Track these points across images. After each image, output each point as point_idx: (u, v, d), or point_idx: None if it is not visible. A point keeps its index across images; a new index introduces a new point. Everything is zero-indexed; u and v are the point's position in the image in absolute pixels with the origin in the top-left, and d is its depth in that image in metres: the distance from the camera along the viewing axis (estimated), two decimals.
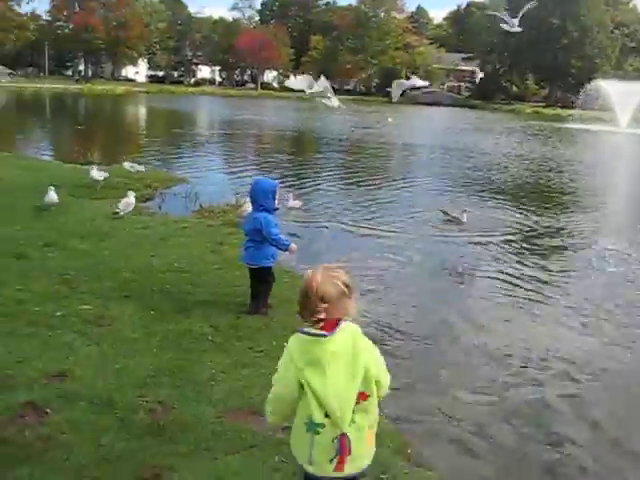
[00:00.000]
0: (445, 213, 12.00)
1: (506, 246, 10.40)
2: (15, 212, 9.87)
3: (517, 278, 8.58)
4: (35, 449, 3.72)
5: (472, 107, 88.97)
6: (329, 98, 11.35)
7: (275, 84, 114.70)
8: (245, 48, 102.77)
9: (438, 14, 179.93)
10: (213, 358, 5.13)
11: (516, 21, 9.44)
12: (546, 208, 14.26)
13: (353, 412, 2.62)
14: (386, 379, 2.80)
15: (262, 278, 6.25)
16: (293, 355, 2.66)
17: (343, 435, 2.62)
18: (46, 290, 6.38)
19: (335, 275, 2.69)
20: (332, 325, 2.64)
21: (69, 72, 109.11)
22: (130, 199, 10.26)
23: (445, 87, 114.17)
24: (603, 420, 4.97)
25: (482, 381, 5.49)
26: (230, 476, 3.64)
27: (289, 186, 14.14)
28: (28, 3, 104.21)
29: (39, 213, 9.86)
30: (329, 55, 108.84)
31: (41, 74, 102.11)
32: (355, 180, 17.55)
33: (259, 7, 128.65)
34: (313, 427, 2.64)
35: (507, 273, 8.78)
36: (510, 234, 11.32)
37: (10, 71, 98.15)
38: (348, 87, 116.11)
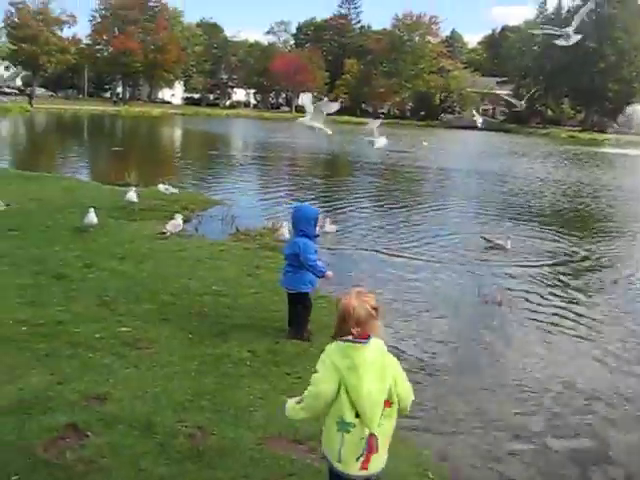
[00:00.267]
0: (487, 240, 11.87)
1: (544, 273, 10.25)
2: (55, 233, 10.03)
3: (555, 307, 8.44)
4: (76, 472, 3.74)
5: (507, 131, 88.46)
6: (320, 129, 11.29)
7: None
8: (280, 71, 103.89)
9: (473, 38, 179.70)
10: (251, 383, 5.12)
11: (571, 30, 9.12)
12: (585, 234, 14.05)
13: (382, 417, 2.95)
14: (409, 392, 3.13)
15: (300, 303, 6.24)
16: (334, 359, 2.99)
17: (372, 435, 2.92)
18: (86, 311, 6.45)
19: (366, 300, 3.05)
20: (364, 337, 3.00)
21: (107, 94, 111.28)
22: (177, 221, 10.56)
23: (479, 111, 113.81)
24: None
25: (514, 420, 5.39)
26: None
27: (324, 210, 14.16)
28: (70, 27, 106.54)
29: (78, 234, 10.00)
30: (363, 79, 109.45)
31: (80, 96, 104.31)
32: (390, 204, 17.52)
33: (294, 31, 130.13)
34: (344, 426, 2.96)
35: (545, 302, 8.65)
36: (548, 261, 11.14)
37: (51, 93, 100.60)
38: (382, 111, 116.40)
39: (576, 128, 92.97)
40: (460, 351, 6.67)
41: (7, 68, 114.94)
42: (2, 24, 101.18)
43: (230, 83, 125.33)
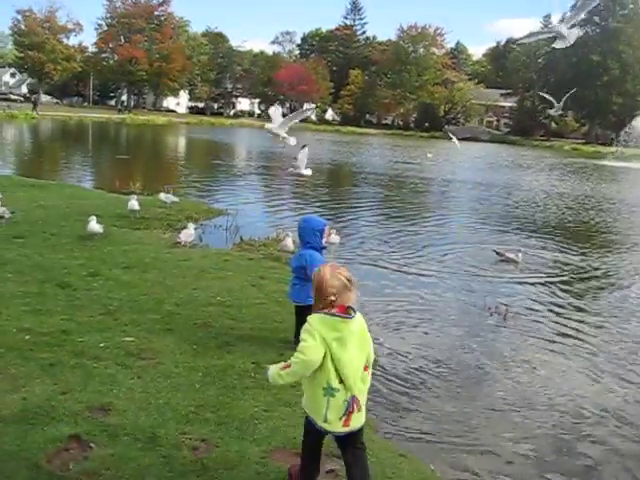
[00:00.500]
0: (499, 254, 11.85)
1: (550, 287, 10.21)
2: (60, 241, 10.02)
3: (561, 322, 8.41)
4: None
5: (510, 143, 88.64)
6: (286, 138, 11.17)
7: (314, 117, 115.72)
8: (284, 81, 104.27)
9: (477, 50, 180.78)
10: (255, 395, 5.09)
11: (563, 26, 8.74)
12: (590, 248, 14.02)
13: (361, 380, 3.49)
14: (372, 358, 3.65)
15: (307, 315, 6.20)
16: (320, 330, 3.41)
17: (353, 397, 3.43)
18: (90, 320, 6.43)
19: (339, 272, 3.52)
20: (342, 310, 3.46)
21: (112, 102, 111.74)
22: (190, 230, 10.62)
23: (484, 123, 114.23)
24: None
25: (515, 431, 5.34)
26: None
27: (328, 220, 14.13)
28: (76, 35, 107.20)
29: (83, 242, 9.99)
30: (368, 89, 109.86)
31: (85, 104, 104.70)
32: (393, 215, 17.54)
33: (299, 41, 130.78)
34: (331, 392, 3.43)
35: (551, 315, 8.62)
36: (554, 274, 11.13)
37: (56, 101, 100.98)
38: (386, 121, 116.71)
39: (580, 141, 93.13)
40: (457, 364, 6.62)
41: (13, 75, 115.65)
42: (9, 32, 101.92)
43: (235, 92, 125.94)
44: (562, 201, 23.11)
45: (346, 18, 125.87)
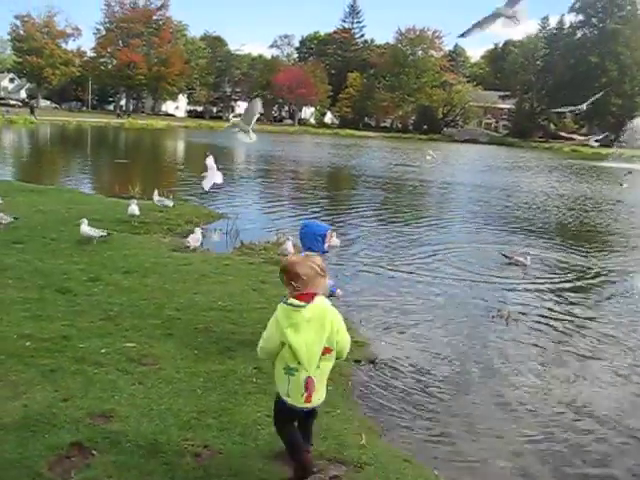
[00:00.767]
0: (507, 257, 11.81)
1: (553, 289, 10.18)
2: (59, 246, 9.98)
3: (563, 323, 8.38)
4: None
5: (509, 145, 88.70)
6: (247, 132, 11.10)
7: (313, 120, 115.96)
8: (283, 85, 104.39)
9: (475, 52, 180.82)
10: (258, 401, 5.05)
11: (508, 7, 7.93)
12: (592, 249, 13.99)
13: (320, 360, 3.76)
14: (347, 343, 3.92)
15: None
16: (279, 320, 3.76)
17: (309, 377, 3.75)
18: (91, 326, 6.39)
19: (312, 259, 3.83)
20: (308, 297, 3.73)
21: (111, 107, 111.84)
22: (197, 235, 10.77)
23: (482, 125, 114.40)
24: None
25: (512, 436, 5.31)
26: None
27: (327, 223, 14.09)
28: (75, 40, 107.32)
29: (82, 247, 9.95)
30: (366, 92, 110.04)
31: (84, 108, 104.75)
32: (393, 218, 17.52)
33: (298, 44, 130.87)
34: (290, 371, 3.78)
35: (553, 317, 8.59)
36: (556, 276, 11.10)
37: (55, 105, 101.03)
38: (385, 124, 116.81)
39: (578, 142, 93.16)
40: (460, 367, 6.58)
41: (12, 80, 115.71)
42: (8, 37, 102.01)
43: (233, 96, 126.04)
44: (563, 202, 23.11)
45: (344, 21, 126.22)
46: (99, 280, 8.09)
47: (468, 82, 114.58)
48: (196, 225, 12.33)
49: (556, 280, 10.82)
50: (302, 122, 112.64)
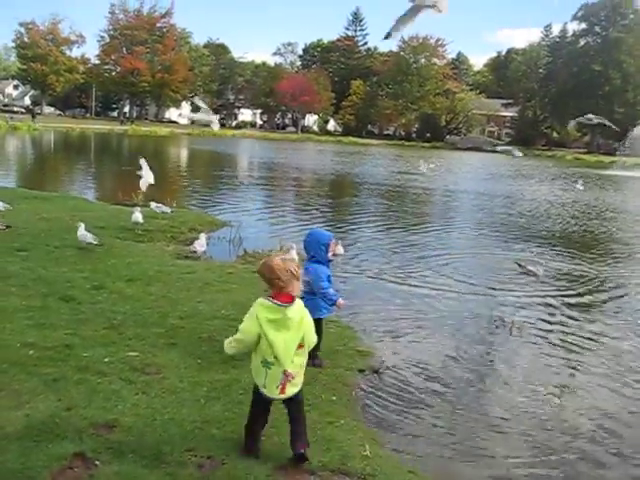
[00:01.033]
0: (520, 265, 11.76)
1: (556, 297, 10.13)
2: (63, 253, 9.96)
3: (567, 333, 8.35)
4: None
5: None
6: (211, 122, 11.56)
7: (315, 128, 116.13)
8: (286, 92, 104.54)
9: (478, 60, 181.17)
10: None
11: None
12: (597, 257, 13.93)
13: (294, 356, 4.09)
14: (312, 339, 4.30)
15: (315, 330, 6.16)
16: (258, 314, 4.05)
17: (285, 371, 4.07)
18: (94, 335, 6.38)
19: (288, 263, 4.15)
20: (287, 298, 4.07)
21: (114, 114, 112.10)
22: (202, 240, 10.82)
23: (485, 133, 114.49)
24: None
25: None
26: None
27: (331, 231, 14.07)
28: (79, 47, 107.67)
29: (86, 255, 9.94)
30: (369, 100, 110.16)
31: (88, 115, 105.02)
32: (396, 226, 17.49)
33: (301, 52, 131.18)
34: (267, 364, 4.11)
35: (557, 329, 8.56)
36: (561, 284, 11.06)
37: (59, 112, 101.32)
38: (388, 132, 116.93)
39: (581, 150, 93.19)
40: (464, 378, 6.55)
41: (16, 87, 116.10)
42: (12, 44, 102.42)
43: (237, 103, 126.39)
44: (566, 210, 23.08)
45: (347, 29, 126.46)
46: (103, 288, 8.08)
47: (471, 90, 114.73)
48: (200, 232, 12.33)
49: (561, 289, 10.78)
50: (305, 129, 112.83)
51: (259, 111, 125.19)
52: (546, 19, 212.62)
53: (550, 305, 9.68)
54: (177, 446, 4.36)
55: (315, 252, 6.12)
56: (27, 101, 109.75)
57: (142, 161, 15.12)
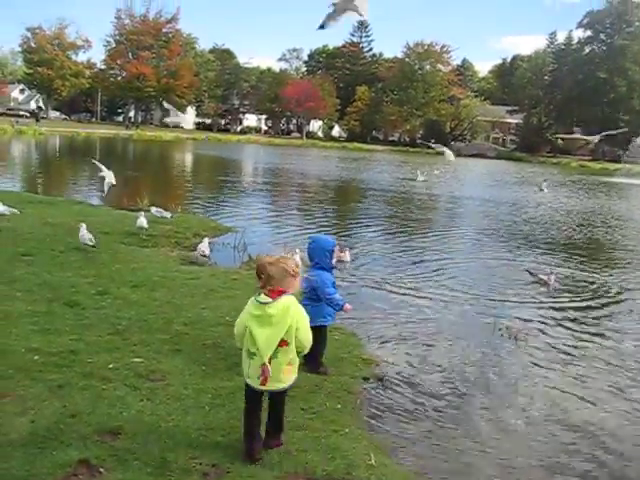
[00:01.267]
0: (531, 274, 11.71)
1: (562, 305, 10.11)
2: (68, 258, 9.98)
3: (573, 342, 8.31)
4: None
5: (517, 160, 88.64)
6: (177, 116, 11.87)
7: (320, 133, 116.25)
8: (291, 98, 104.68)
9: (483, 67, 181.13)
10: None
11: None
12: (602, 266, 13.87)
13: (276, 352, 4.24)
14: (305, 338, 4.41)
15: (316, 336, 6.15)
16: (248, 309, 4.35)
17: (264, 364, 4.22)
18: (99, 340, 6.37)
19: (284, 261, 4.33)
20: (277, 293, 4.24)
21: (120, 118, 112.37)
22: (205, 244, 11.05)
23: (490, 139, 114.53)
24: None
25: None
26: None
27: (336, 238, 14.06)
28: (85, 52, 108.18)
29: (91, 260, 9.95)
30: (374, 106, 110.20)
31: (93, 120, 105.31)
32: (401, 232, 17.47)
33: (306, 58, 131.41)
34: (250, 355, 4.31)
35: (563, 337, 8.52)
36: (567, 292, 11.02)
37: (64, 116, 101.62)
38: (393, 138, 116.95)
39: (586, 157, 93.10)
40: (470, 386, 6.53)
41: (22, 91, 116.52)
42: (19, 48, 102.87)
43: (242, 109, 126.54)
44: (572, 218, 23.05)
45: (353, 35, 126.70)
46: (107, 294, 8.08)
47: (476, 97, 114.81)
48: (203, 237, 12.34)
49: (567, 297, 10.74)
50: (310, 135, 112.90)
51: (264, 116, 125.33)
52: (551, 26, 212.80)
53: (556, 313, 9.63)
54: (182, 454, 4.35)
55: (319, 258, 6.13)
56: (33, 105, 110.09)
57: (97, 163, 15.33)
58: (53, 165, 35.44)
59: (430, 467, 4.86)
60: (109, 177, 14.76)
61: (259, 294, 4.30)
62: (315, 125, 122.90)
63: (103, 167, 15.06)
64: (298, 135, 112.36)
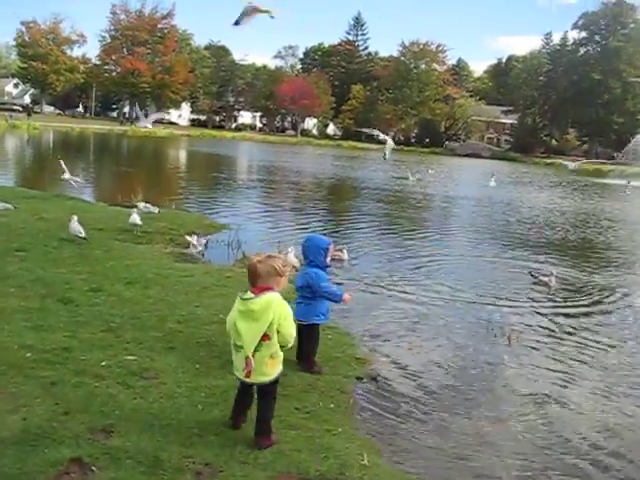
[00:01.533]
0: (533, 276, 11.70)
1: (556, 306, 10.13)
2: (61, 254, 9.92)
3: (567, 344, 8.33)
4: None
5: (511, 160, 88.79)
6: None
7: (315, 131, 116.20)
8: (286, 95, 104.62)
9: (479, 67, 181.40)
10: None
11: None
12: (595, 266, 13.89)
13: (259, 345, 4.42)
14: (287, 333, 4.53)
15: (310, 335, 6.16)
16: (235, 305, 4.54)
17: (247, 357, 4.41)
18: (92, 338, 6.34)
19: (271, 259, 4.53)
20: (261, 289, 4.43)
21: (114, 114, 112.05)
22: (195, 238, 11.40)
23: (484, 139, 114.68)
24: None
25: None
26: None
27: (330, 236, 14.04)
28: (80, 47, 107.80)
29: (84, 256, 9.91)
30: (369, 105, 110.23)
31: (87, 115, 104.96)
32: (395, 231, 17.47)
33: (302, 56, 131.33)
34: (236, 347, 4.55)
35: (557, 339, 8.54)
36: (562, 294, 11.03)
37: (59, 111, 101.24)
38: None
39: (580, 158, 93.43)
40: (463, 386, 6.53)
41: (16, 85, 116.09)
42: (13, 42, 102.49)
43: (236, 106, 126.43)
44: (566, 219, 23.12)
45: (349, 33, 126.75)
46: (101, 290, 8.04)
47: (471, 96, 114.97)
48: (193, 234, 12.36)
49: (561, 298, 10.76)
50: (304, 133, 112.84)
51: (259, 114, 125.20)
52: (547, 27, 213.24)
53: (550, 314, 9.64)
54: (175, 452, 4.33)
55: (314, 257, 6.13)
56: (27, 100, 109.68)
57: (61, 162, 15.64)
58: (46, 160, 35.23)
59: (423, 467, 4.86)
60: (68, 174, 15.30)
61: (246, 291, 4.50)
62: (310, 123, 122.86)
63: (66, 169, 15.52)
64: (293, 133, 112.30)
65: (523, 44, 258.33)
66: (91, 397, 5.03)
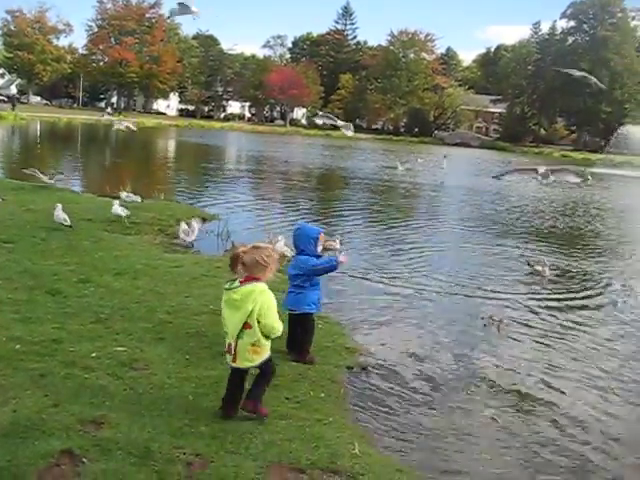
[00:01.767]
0: (529, 264, 11.73)
1: (546, 296, 10.18)
2: (49, 246, 9.87)
3: (556, 332, 8.37)
4: None
5: (500, 149, 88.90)
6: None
7: (304, 121, 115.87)
8: (275, 85, 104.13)
9: (467, 56, 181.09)
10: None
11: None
12: (586, 254, 13.99)
13: (241, 332, 4.59)
14: (268, 323, 4.60)
15: (303, 324, 6.16)
16: (223, 294, 4.70)
17: (229, 343, 4.67)
18: (81, 329, 6.31)
19: (256, 250, 4.63)
20: (248, 279, 4.57)
21: (102, 104, 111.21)
22: (184, 226, 11.58)
23: (473, 128, 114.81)
24: None
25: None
26: None
27: (321, 225, 14.02)
28: (66, 37, 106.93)
29: (72, 247, 9.85)
30: (358, 94, 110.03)
31: (75, 105, 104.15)
32: (384, 221, 17.48)
33: (290, 45, 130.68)
34: (225, 334, 4.73)
35: (546, 328, 8.59)
36: (552, 283, 11.08)
37: (46, 102, 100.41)
38: (376, 126, 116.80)
39: (568, 147, 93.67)
40: (453, 376, 6.55)
41: (2, 75, 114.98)
42: None
43: (225, 96, 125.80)
44: (556, 208, 23.21)
45: (337, 23, 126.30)
46: (90, 282, 8.00)
47: (460, 86, 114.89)
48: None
49: (551, 286, 10.81)
50: (293, 123, 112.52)
51: (247, 104, 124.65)
52: (535, 16, 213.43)
53: (539, 302, 9.69)
54: (165, 443, 4.32)
55: (304, 246, 6.12)
56: (14, 90, 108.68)
57: (36, 171, 16.22)
58: (33, 151, 34.95)
59: (414, 456, 4.88)
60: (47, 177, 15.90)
61: (234, 280, 4.67)
62: (299, 113, 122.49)
63: (42, 175, 16.11)
64: (282, 122, 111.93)
65: (512, 33, 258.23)
66: (81, 388, 5.01)
